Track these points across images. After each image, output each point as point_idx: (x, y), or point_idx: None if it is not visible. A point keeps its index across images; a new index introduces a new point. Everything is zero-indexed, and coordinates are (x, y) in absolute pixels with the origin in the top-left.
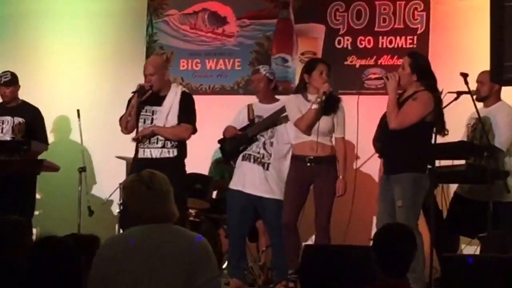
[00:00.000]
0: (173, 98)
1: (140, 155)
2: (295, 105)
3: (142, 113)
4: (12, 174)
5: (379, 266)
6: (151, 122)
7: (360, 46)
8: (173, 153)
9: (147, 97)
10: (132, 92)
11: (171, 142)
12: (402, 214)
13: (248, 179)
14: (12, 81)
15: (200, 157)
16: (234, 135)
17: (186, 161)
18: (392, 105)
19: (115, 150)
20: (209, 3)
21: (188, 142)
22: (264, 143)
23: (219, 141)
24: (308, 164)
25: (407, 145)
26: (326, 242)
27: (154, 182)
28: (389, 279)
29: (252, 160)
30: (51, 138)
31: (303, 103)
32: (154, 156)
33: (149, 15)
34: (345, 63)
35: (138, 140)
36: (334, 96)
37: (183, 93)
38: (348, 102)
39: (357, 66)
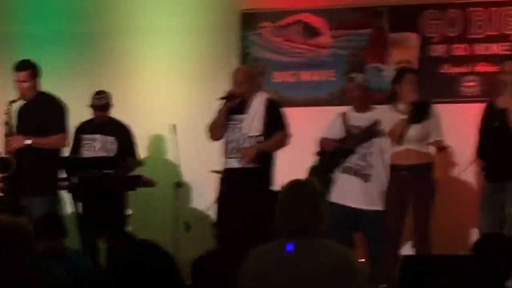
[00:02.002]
0: (257, 106)
1: (227, 165)
2: (387, 116)
3: (230, 122)
4: (106, 190)
5: (478, 274)
6: (237, 131)
7: (455, 54)
8: (259, 162)
9: (235, 105)
10: (220, 98)
11: None
12: None
13: (349, 191)
14: (104, 104)
15: (295, 169)
16: (334, 147)
17: (281, 172)
18: None
19: (210, 164)
20: (303, 15)
21: (284, 153)
22: (364, 155)
23: (318, 154)
24: (404, 173)
25: None
26: (426, 249)
27: (302, 194)
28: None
29: (352, 172)
30: (146, 153)
31: (395, 114)
32: (238, 166)
33: (242, 29)
34: (440, 71)
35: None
36: (424, 103)
37: (268, 100)
38: (443, 110)
39: (452, 74)
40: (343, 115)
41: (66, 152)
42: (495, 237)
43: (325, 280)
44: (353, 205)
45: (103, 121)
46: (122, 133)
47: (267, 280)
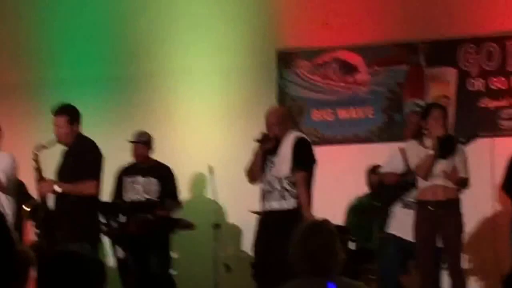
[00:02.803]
0: (287, 146)
1: (264, 207)
2: (413, 152)
3: (266, 163)
4: (147, 233)
5: None
6: (270, 172)
7: (493, 88)
8: (293, 204)
9: (271, 147)
10: (255, 141)
11: (288, 192)
12: None
13: (408, 225)
14: (146, 141)
15: (334, 207)
16: (396, 181)
17: (322, 211)
18: None
19: (249, 204)
20: (339, 53)
21: (323, 191)
22: None
23: (373, 188)
24: (432, 209)
25: None
26: (463, 285)
27: (317, 234)
28: None
29: (411, 206)
30: (185, 195)
31: (421, 149)
32: (275, 207)
33: (279, 68)
34: (479, 105)
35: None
36: (451, 138)
37: (296, 139)
38: (483, 144)
39: (491, 108)
40: (402, 150)
41: (105, 196)
42: None
43: None
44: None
45: (146, 163)
46: (164, 176)
47: None
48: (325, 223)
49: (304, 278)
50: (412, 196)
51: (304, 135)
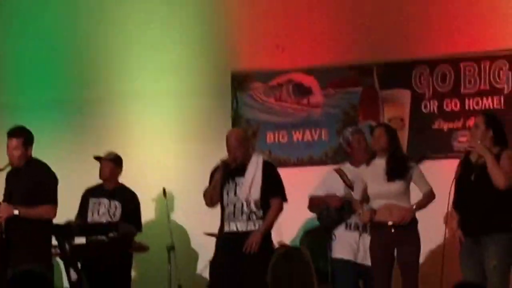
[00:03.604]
0: (255, 169)
1: (226, 228)
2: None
3: (225, 186)
4: (102, 256)
5: None
6: (235, 194)
7: (447, 109)
8: (259, 225)
9: (231, 170)
10: (214, 168)
11: (256, 214)
12: (496, 275)
13: (360, 249)
14: (114, 159)
15: (289, 229)
16: (342, 203)
17: (276, 232)
18: (496, 166)
19: (204, 226)
20: (293, 75)
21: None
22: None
23: (313, 210)
24: (387, 230)
25: (501, 204)
26: None
27: (292, 264)
28: None
29: (355, 228)
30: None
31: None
32: (240, 229)
33: (233, 90)
34: (433, 127)
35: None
36: (400, 158)
37: (265, 163)
38: (436, 166)
39: (445, 129)
40: (339, 171)
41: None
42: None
43: None
44: (364, 263)
45: (112, 185)
46: (128, 199)
47: None
48: (298, 251)
49: None
50: (354, 218)
51: (265, 157)
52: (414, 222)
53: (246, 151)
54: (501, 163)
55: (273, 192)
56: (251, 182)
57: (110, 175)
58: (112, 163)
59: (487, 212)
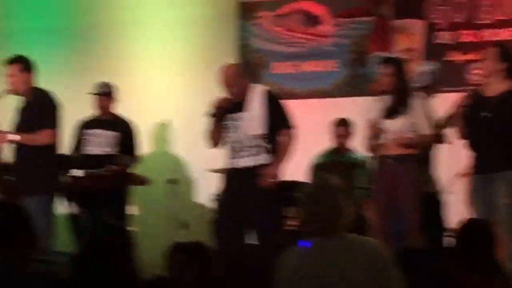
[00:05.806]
0: (257, 102)
1: (232, 165)
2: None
3: (229, 121)
4: (101, 188)
5: (463, 263)
6: (240, 130)
7: (461, 41)
8: (268, 159)
9: (229, 107)
10: (210, 115)
11: (263, 148)
12: (506, 212)
13: None
14: (108, 93)
15: (297, 163)
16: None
17: (285, 167)
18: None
19: (208, 160)
20: (303, 3)
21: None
22: None
23: None
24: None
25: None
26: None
27: (322, 195)
28: (474, 276)
29: None
30: (143, 149)
31: None
32: (243, 165)
33: (240, 19)
34: (447, 58)
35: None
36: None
37: (267, 94)
38: (450, 99)
39: (459, 61)
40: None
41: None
42: (478, 224)
43: (360, 275)
44: None
45: (107, 116)
46: (125, 130)
47: (303, 280)
48: (329, 181)
49: (314, 239)
50: None
51: (268, 88)
52: (411, 158)
53: (243, 85)
54: None
55: (279, 124)
56: (253, 117)
57: (104, 109)
58: (104, 97)
59: (502, 149)
